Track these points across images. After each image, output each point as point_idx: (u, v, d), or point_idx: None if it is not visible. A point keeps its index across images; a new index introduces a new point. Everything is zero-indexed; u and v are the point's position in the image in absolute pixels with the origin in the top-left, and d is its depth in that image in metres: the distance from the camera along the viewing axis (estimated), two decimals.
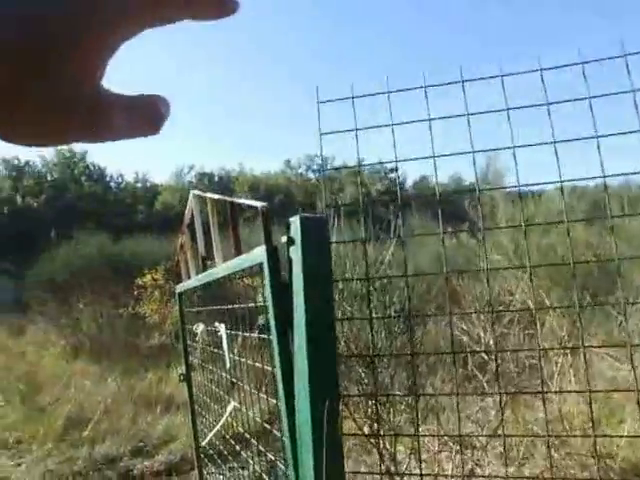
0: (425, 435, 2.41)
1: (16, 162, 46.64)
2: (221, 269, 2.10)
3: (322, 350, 1.44)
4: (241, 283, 2.29)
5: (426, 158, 1.58)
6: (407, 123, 1.60)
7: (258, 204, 1.61)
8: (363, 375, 2.33)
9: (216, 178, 45.06)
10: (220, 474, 3.25)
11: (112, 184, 49.72)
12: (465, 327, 3.03)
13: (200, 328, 2.82)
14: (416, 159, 1.60)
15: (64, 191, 44.28)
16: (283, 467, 1.78)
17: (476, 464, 2.58)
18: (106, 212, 37.92)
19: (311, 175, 49.13)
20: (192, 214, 2.71)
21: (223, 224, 2.35)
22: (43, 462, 4.82)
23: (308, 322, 1.42)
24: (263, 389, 1.91)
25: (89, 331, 10.64)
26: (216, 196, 2.23)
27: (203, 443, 3.12)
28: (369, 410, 2.35)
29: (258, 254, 1.62)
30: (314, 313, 1.43)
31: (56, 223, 30.28)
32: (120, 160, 47.28)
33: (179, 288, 3.52)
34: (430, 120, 1.59)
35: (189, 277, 3.20)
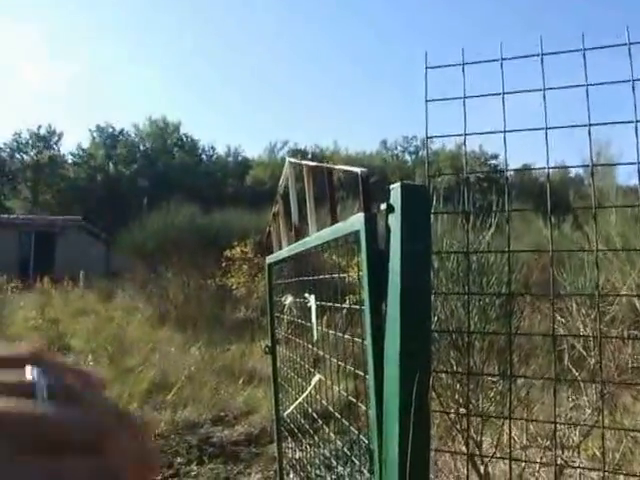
0: (516, 418, 2.37)
1: (110, 130, 49.03)
2: (315, 238, 2.14)
3: (416, 323, 1.45)
4: (333, 254, 2.33)
5: (538, 130, 1.53)
6: (520, 92, 1.57)
7: (357, 169, 1.63)
8: (453, 355, 2.32)
9: (309, 155, 45.53)
10: (299, 448, 3.34)
11: (204, 156, 51.39)
12: (563, 320, 2.93)
13: (288, 300, 2.90)
14: (528, 130, 1.56)
15: (156, 161, 46.21)
16: (366, 441, 1.82)
17: (566, 463, 2.51)
18: (196, 184, 39.22)
19: (407, 157, 48.61)
20: (287, 182, 2.78)
21: (318, 195, 2.40)
22: None
23: (403, 294, 1.43)
24: (350, 362, 1.94)
25: (175, 300, 11.14)
26: (313, 163, 2.27)
27: (285, 414, 3.21)
28: (456, 394, 2.34)
29: (355, 222, 1.64)
30: (410, 285, 1.44)
31: (147, 192, 31.66)
32: (213, 133, 48.73)
33: (269, 259, 3.62)
34: (545, 90, 1.54)
35: (280, 248, 3.28)
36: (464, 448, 2.32)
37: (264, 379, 5.96)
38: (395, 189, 1.50)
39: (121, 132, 49.47)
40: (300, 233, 2.68)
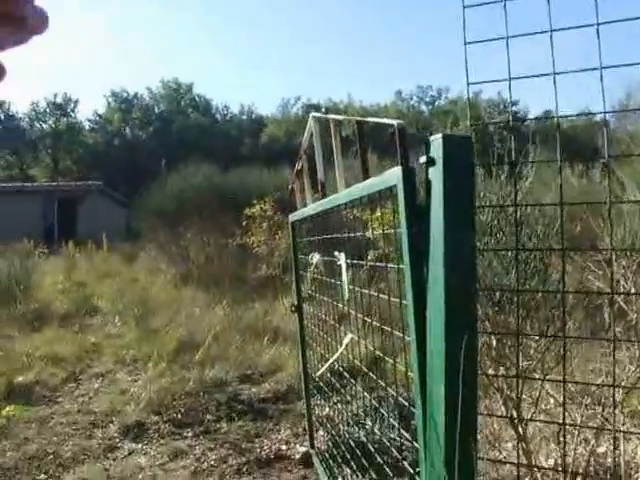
0: (555, 380, 2.30)
1: (125, 95, 48.82)
2: (344, 195, 2.05)
3: (461, 281, 1.36)
4: (355, 209, 2.24)
5: (590, 70, 1.41)
6: (570, 29, 1.43)
7: (393, 121, 1.52)
8: (490, 313, 2.24)
9: (323, 110, 45.00)
10: (329, 405, 3.32)
11: (218, 116, 51.07)
12: (600, 273, 2.82)
13: (316, 258, 2.82)
14: (577, 71, 1.44)
15: (171, 123, 46.02)
16: (406, 403, 1.76)
17: (606, 420, 2.44)
18: (212, 144, 39.02)
19: (424, 107, 47.71)
20: (311, 138, 2.67)
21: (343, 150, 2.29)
22: (157, 380, 5.16)
23: (447, 250, 1.34)
24: (382, 321, 1.87)
25: (197, 260, 11.17)
26: (340, 117, 2.16)
27: (317, 374, 3.17)
28: (494, 352, 2.27)
29: (391, 176, 1.54)
30: (454, 241, 1.35)
31: (164, 154, 31.62)
32: (226, 92, 48.33)
33: (293, 217, 3.53)
34: (598, 25, 1.41)
35: (305, 205, 3.19)
36: (503, 408, 2.25)
37: (289, 337, 5.95)
38: (436, 141, 1.39)
39: (135, 96, 49.26)
40: (326, 190, 2.58)
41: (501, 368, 2.33)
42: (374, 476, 2.23)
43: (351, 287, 2.20)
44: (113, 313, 8.57)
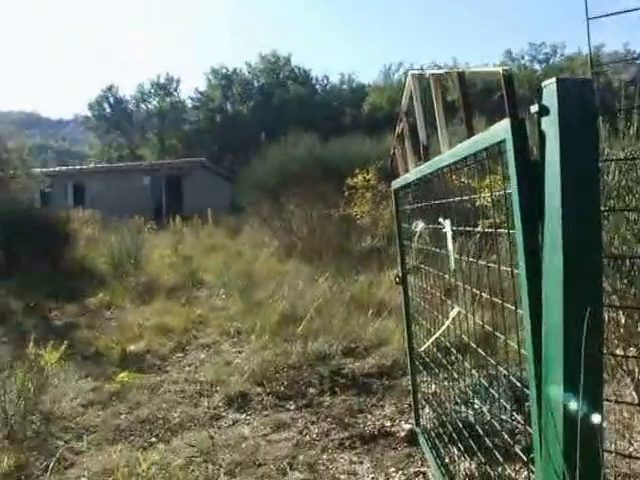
0: None
1: (224, 71, 50.05)
2: (448, 155, 1.92)
3: (583, 247, 1.21)
4: (462, 175, 2.10)
5: None
6: None
7: (498, 68, 1.38)
8: (619, 286, 2.03)
9: (427, 74, 43.63)
10: (435, 382, 3.22)
11: (317, 87, 51.16)
12: None
13: (419, 226, 2.71)
14: None
15: (271, 97, 46.68)
16: (519, 384, 1.63)
17: None
18: (313, 116, 39.19)
19: (537, 66, 45.14)
20: (410, 99, 2.53)
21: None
22: (260, 353, 5.26)
23: (566, 213, 1.19)
24: (492, 294, 1.74)
25: (300, 232, 11.27)
26: (440, 71, 2.01)
27: (421, 349, 3.08)
28: (622, 329, 2.06)
29: (499, 130, 1.40)
30: (573, 202, 1.20)
31: (264, 128, 32.15)
32: (325, 61, 48.37)
33: (395, 184, 3.43)
34: None
35: (407, 171, 3.07)
36: (634, 394, 2.06)
37: (394, 310, 5.85)
38: (549, 87, 1.23)
39: (234, 71, 50.35)
40: (428, 153, 2.45)
41: (631, 348, 2.12)
42: (482, 459, 2.12)
43: (457, 257, 2.08)
44: (218, 286, 8.87)
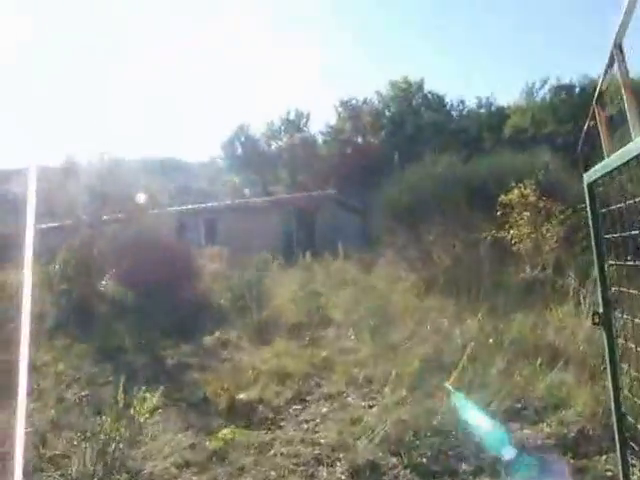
0: None
1: (354, 102, 50.83)
2: None
3: None
4: None
5: None
6: None
7: None
8: None
9: (577, 89, 41.10)
10: None
11: (453, 112, 50.36)
12: None
13: None
14: None
15: (403, 125, 46.49)
16: None
17: None
18: (449, 142, 38.31)
19: None
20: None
21: None
22: (396, 410, 4.52)
23: None
24: None
25: (442, 263, 10.55)
26: None
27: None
28: None
29: None
30: None
31: (397, 157, 31.87)
32: (460, 85, 47.39)
33: (590, 175, 2.53)
34: None
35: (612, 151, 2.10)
36: None
37: (573, 359, 4.85)
38: None
39: (364, 101, 50.98)
40: None
41: None
42: None
43: None
44: (347, 324, 8.38)
